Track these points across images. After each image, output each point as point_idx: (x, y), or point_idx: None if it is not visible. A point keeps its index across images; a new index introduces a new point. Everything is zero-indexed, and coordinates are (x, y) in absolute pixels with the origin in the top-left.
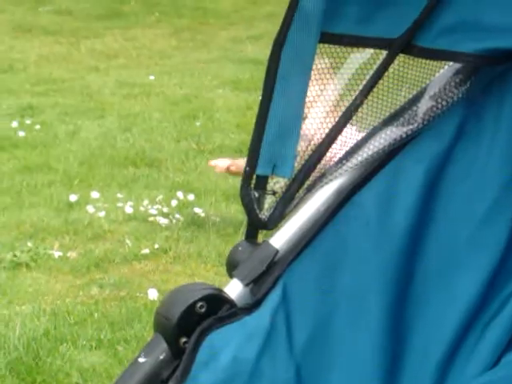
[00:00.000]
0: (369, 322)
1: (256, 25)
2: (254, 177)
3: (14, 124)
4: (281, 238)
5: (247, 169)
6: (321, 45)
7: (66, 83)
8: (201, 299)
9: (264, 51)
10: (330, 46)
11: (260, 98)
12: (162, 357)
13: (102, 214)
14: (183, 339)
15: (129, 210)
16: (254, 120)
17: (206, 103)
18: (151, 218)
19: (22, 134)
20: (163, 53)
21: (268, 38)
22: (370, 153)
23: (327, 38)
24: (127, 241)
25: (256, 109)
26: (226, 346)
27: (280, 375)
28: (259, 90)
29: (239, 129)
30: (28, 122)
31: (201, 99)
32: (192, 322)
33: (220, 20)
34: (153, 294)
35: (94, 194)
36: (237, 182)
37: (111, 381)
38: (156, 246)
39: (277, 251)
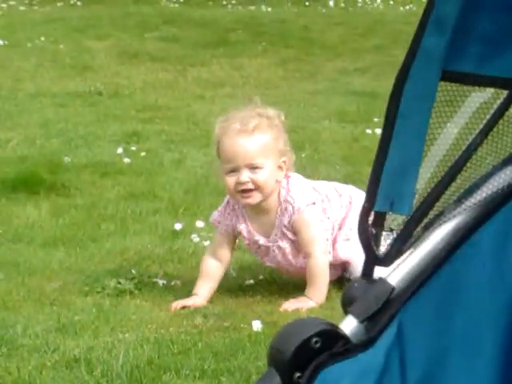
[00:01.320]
0: (483, 362)
1: (363, 57)
2: (372, 213)
3: (119, 150)
4: (397, 276)
5: (365, 204)
6: (442, 83)
7: (172, 111)
8: (316, 334)
9: (371, 83)
10: (451, 84)
11: (367, 130)
12: None
13: (206, 243)
14: (297, 374)
15: None
16: (360, 153)
17: (311, 134)
18: None
19: (127, 160)
20: (269, 83)
21: (375, 70)
22: (488, 192)
23: (448, 75)
24: (231, 271)
25: (362, 141)
26: (339, 382)
27: None
28: (365, 122)
29: (345, 161)
30: (133, 148)
31: (307, 130)
32: (306, 356)
33: (327, 51)
34: (257, 326)
35: (199, 223)
36: None
37: None
38: (260, 277)
39: (393, 288)
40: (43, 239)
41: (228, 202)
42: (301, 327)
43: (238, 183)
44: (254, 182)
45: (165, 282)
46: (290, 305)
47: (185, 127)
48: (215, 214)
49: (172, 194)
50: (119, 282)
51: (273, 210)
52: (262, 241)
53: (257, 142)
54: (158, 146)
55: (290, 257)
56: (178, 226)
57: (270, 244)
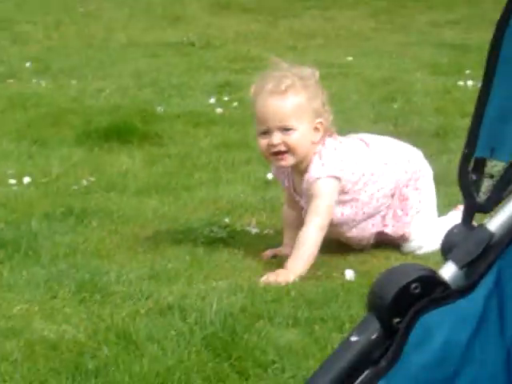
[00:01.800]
0: None
1: (455, 9)
2: (472, 159)
3: (212, 100)
4: (497, 222)
5: (465, 151)
6: None
7: (264, 61)
8: (416, 280)
9: (462, 36)
10: None
11: (458, 82)
12: (374, 336)
13: None
14: (396, 319)
15: None
16: (452, 104)
17: (403, 86)
18: None
19: (219, 110)
20: (361, 34)
21: (467, 22)
22: None
23: None
24: None
25: (454, 93)
26: (438, 328)
27: (491, 359)
28: (457, 74)
29: (437, 113)
30: (226, 98)
31: (399, 82)
32: (406, 302)
33: (418, 3)
34: (350, 275)
35: None
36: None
37: (307, 359)
38: None
39: (493, 235)
40: (136, 188)
41: None
42: (400, 273)
43: (270, 145)
44: (286, 144)
45: (257, 230)
46: (268, 278)
47: None
48: (272, 168)
49: None
50: (212, 231)
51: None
52: (301, 202)
53: (289, 102)
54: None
55: None
56: (270, 176)
57: (306, 206)
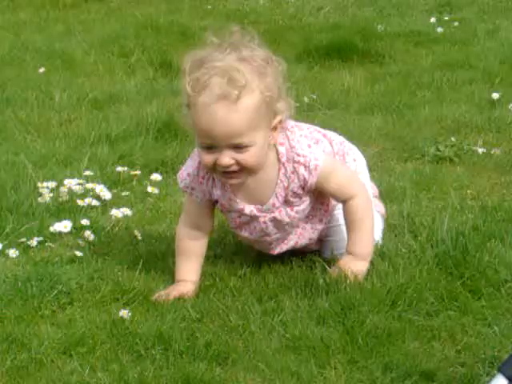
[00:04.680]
0: None
1: None
2: None
3: (432, 20)
4: None
5: None
6: None
7: None
8: None
9: None
10: None
11: None
12: None
13: None
14: None
15: None
16: None
17: None
18: None
19: (440, 30)
20: None
21: None
22: None
23: None
24: None
25: None
26: None
27: None
28: None
29: None
30: (446, 18)
31: None
32: None
33: None
34: None
35: None
36: None
37: None
38: None
39: None
40: (359, 105)
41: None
42: None
43: (219, 164)
44: (239, 164)
45: (484, 150)
46: (336, 274)
47: None
48: (186, 178)
49: (487, 63)
50: (438, 149)
51: (270, 176)
52: (249, 210)
53: (244, 112)
54: (471, 17)
55: (286, 227)
56: (495, 96)
57: (262, 214)
